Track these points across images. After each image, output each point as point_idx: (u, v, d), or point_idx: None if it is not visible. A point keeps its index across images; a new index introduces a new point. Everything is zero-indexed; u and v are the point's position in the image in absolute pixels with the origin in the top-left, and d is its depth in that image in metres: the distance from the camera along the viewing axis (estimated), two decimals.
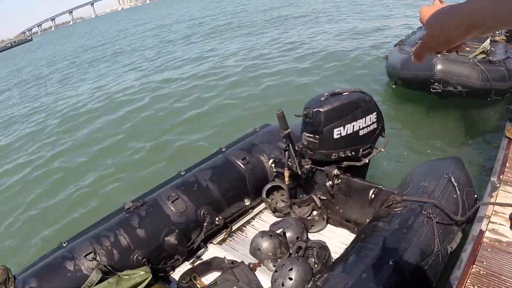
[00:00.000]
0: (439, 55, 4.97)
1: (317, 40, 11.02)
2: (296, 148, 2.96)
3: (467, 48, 6.12)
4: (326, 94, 2.82)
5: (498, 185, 2.90)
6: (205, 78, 9.36)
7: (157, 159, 5.65)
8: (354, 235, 2.83)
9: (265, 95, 7.48)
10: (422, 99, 5.54)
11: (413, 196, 2.55)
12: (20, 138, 8.65)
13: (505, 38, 6.63)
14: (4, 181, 6.44)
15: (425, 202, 2.43)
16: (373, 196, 2.79)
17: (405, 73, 5.33)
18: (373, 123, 2.91)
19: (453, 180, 2.63)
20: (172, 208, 2.86)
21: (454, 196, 2.58)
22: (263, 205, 3.37)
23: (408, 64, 5.27)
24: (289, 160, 2.96)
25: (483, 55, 5.51)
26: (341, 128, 2.78)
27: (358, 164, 2.94)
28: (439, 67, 4.84)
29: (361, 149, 2.92)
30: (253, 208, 3.36)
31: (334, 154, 2.86)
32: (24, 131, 9.12)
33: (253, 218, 3.32)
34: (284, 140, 2.84)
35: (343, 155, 2.88)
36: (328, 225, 3.16)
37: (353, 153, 2.90)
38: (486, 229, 2.50)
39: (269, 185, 3.23)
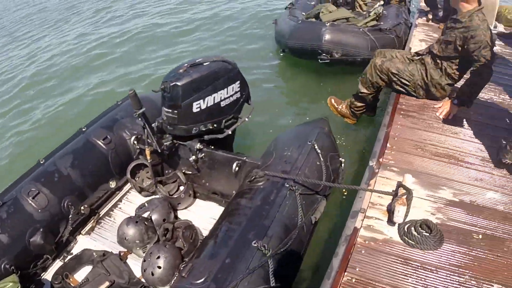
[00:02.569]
0: (327, 24, 4.96)
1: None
2: (156, 124, 2.81)
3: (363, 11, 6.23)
4: (186, 65, 2.66)
5: (377, 170, 2.77)
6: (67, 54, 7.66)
7: (15, 149, 4.83)
8: (223, 208, 2.79)
9: (129, 63, 6.67)
10: (309, 67, 5.48)
11: (276, 166, 2.52)
12: None
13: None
14: None
15: (286, 177, 2.39)
16: (237, 168, 2.73)
17: (293, 41, 5.20)
18: (235, 92, 2.82)
19: (316, 146, 2.63)
20: (33, 204, 2.57)
21: (318, 163, 2.58)
22: (129, 185, 3.19)
23: (296, 32, 5.16)
24: (148, 138, 2.81)
25: (373, 22, 5.60)
26: (201, 101, 2.65)
27: (220, 136, 2.84)
28: (327, 37, 4.81)
29: (223, 121, 2.83)
30: (119, 189, 3.17)
31: (194, 128, 2.73)
32: None
33: (120, 200, 3.14)
34: (140, 119, 2.67)
35: (204, 129, 2.76)
36: (197, 199, 3.09)
37: (215, 125, 2.80)
38: (361, 226, 2.33)
39: (132, 164, 3.05)
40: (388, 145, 3.02)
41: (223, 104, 2.77)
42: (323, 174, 2.55)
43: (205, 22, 8.13)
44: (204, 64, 2.67)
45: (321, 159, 2.58)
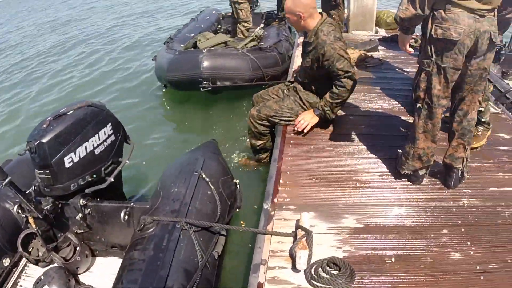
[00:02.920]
0: (204, 50, 4.96)
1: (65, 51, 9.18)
2: (33, 188, 2.58)
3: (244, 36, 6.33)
4: (49, 118, 2.45)
5: (272, 212, 2.52)
6: None
7: None
8: None
9: None
10: (194, 97, 5.47)
11: (165, 207, 2.38)
12: None
13: (277, 20, 7.02)
14: None
15: (175, 220, 2.25)
16: (126, 217, 2.56)
17: (172, 74, 5.12)
18: (109, 136, 2.65)
19: (204, 175, 2.53)
20: None
21: (209, 192, 2.49)
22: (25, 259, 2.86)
23: (174, 64, 5.10)
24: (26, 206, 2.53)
25: (254, 43, 5.71)
26: (72, 154, 2.44)
27: (102, 186, 2.65)
28: (205, 64, 4.81)
29: (102, 169, 2.65)
30: (16, 265, 2.82)
31: (72, 184, 2.51)
32: None
33: (19, 277, 2.80)
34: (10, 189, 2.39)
35: (83, 183, 2.55)
36: (97, 257, 2.84)
37: (94, 176, 2.60)
38: (265, 280, 2.05)
39: (22, 235, 2.71)
40: (281, 181, 2.82)
41: (97, 151, 2.59)
42: (217, 203, 2.45)
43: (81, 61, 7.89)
44: (68, 113, 2.48)
45: (212, 187, 2.49)
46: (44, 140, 2.33)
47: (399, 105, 3.86)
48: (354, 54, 5.04)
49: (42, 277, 2.55)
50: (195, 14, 8.14)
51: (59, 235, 2.83)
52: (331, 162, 3.04)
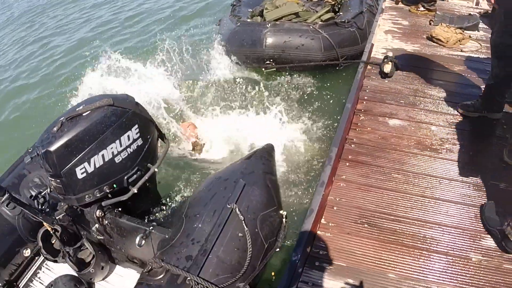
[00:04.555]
0: (268, 25, 4.33)
1: None
2: (49, 191, 2.35)
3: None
4: (62, 119, 2.09)
5: (300, 269, 2.05)
6: None
7: None
8: None
9: None
10: (258, 74, 4.77)
11: (181, 249, 1.96)
12: None
13: None
14: None
15: (185, 273, 1.82)
16: (142, 242, 2.19)
17: (233, 48, 4.56)
18: (134, 140, 2.26)
19: (238, 211, 2.02)
20: None
21: (240, 235, 1.98)
22: None
23: (235, 37, 4.52)
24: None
25: (329, 15, 4.94)
26: (85, 164, 2.08)
27: (123, 198, 2.29)
28: (269, 41, 4.21)
29: (125, 178, 2.27)
30: (38, 254, 2.65)
31: (87, 196, 2.18)
32: None
33: (39, 268, 2.66)
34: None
35: (99, 194, 2.20)
36: (117, 266, 2.57)
37: (114, 186, 2.24)
38: None
39: (41, 230, 2.48)
40: (323, 220, 2.29)
41: (118, 159, 2.21)
42: (248, 251, 1.95)
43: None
44: (84, 114, 2.10)
45: (246, 228, 1.97)
46: (51, 149, 1.98)
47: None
48: (448, 33, 4.16)
49: (52, 285, 2.37)
50: None
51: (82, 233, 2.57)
52: (395, 201, 2.39)
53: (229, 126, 3.89)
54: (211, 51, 5.06)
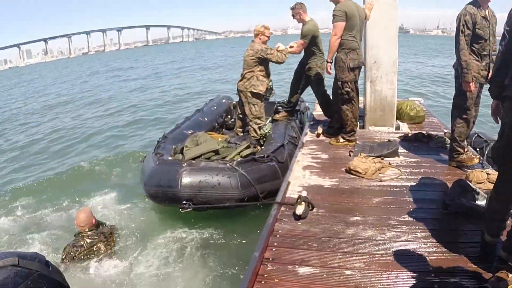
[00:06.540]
0: (184, 164, 4.23)
1: None
2: None
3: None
4: None
5: None
6: None
7: None
8: None
9: None
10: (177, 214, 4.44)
11: None
12: None
13: (285, 114, 6.28)
14: None
15: None
16: None
17: (150, 188, 4.35)
18: None
19: None
20: None
21: None
22: None
23: (152, 176, 4.35)
24: None
25: (249, 151, 4.94)
26: None
27: None
28: (185, 180, 4.06)
29: None
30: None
31: None
32: None
33: None
34: None
35: None
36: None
37: None
38: None
39: None
40: None
41: None
42: None
43: None
44: None
45: None
46: None
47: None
48: (366, 163, 4.17)
49: None
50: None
51: None
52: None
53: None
54: None
